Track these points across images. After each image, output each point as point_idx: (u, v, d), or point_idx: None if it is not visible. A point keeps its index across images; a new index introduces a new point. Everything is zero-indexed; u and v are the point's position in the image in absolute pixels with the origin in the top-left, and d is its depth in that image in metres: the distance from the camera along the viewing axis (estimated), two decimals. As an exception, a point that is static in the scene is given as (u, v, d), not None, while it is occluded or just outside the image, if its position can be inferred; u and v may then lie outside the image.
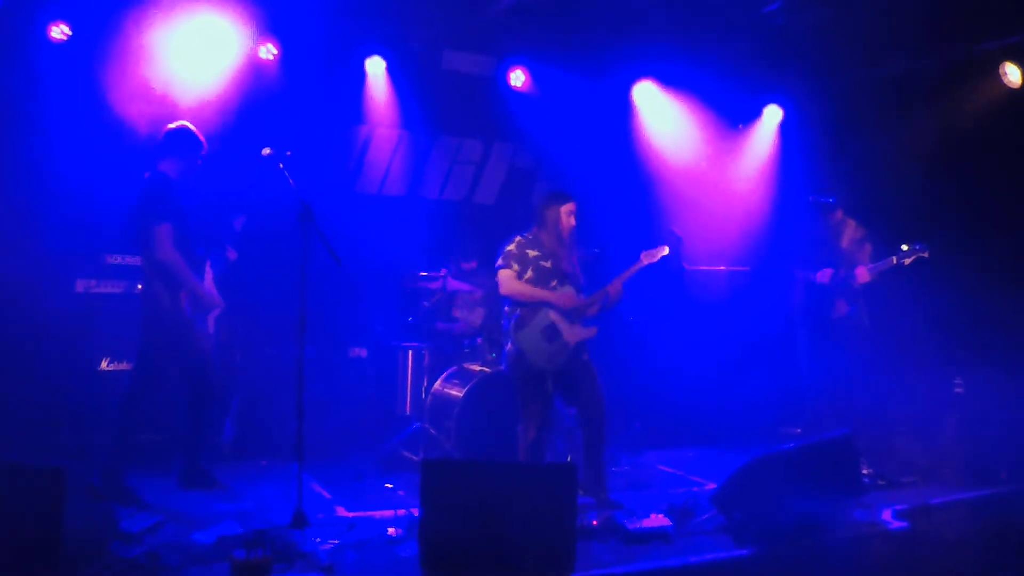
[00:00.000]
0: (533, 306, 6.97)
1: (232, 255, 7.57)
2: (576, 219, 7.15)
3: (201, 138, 7.08)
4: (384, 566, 5.30)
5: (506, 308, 7.16)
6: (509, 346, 7.08)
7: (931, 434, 8.37)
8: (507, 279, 7.01)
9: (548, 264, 7.06)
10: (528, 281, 7.00)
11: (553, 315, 6.97)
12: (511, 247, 7.10)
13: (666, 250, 7.29)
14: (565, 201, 7.14)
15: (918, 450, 8.18)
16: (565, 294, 7.00)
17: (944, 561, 6.16)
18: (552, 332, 6.93)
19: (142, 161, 7.14)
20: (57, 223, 7.92)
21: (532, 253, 7.06)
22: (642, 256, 7.29)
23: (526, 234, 7.18)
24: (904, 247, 8.08)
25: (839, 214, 8.66)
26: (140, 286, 7.02)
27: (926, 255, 8.03)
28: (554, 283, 7.03)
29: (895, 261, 8.11)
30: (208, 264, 7.14)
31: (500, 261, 7.10)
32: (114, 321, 7.90)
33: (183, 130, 7.03)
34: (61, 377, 7.69)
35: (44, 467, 4.96)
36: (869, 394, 8.38)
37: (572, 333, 6.99)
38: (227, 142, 8.38)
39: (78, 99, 8.10)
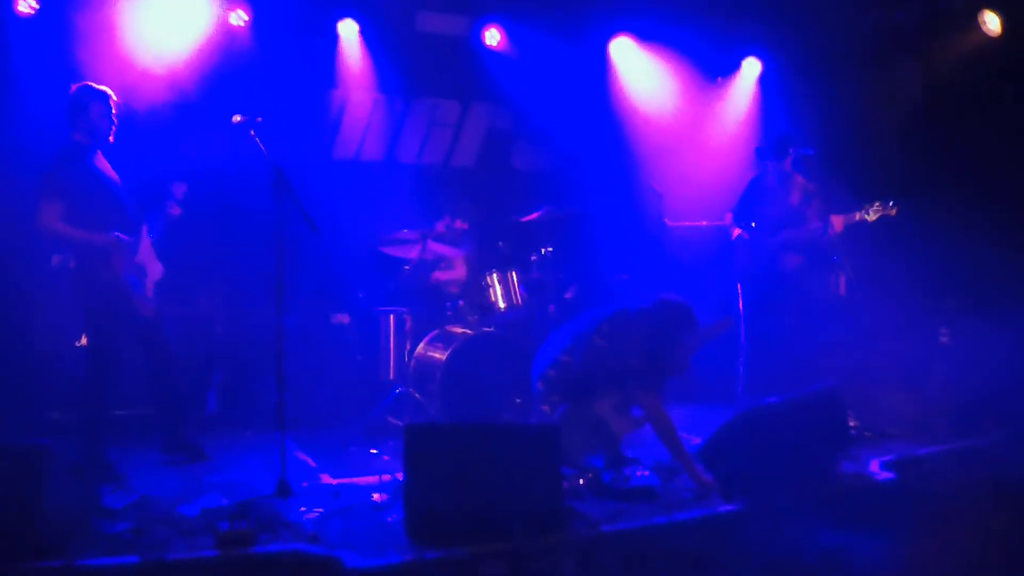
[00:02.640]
0: None
1: (175, 210, 7.32)
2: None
3: (109, 93, 6.79)
4: (370, 532, 5.25)
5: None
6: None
7: (917, 385, 8.35)
8: None
9: None
10: None
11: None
12: None
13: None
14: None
15: (905, 401, 8.15)
16: None
17: (932, 511, 6.16)
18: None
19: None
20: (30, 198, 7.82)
21: None
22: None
23: None
24: (876, 205, 7.93)
25: (787, 166, 8.48)
26: (71, 261, 6.87)
27: (893, 213, 7.88)
28: None
29: (858, 217, 7.96)
30: (145, 229, 7.00)
31: None
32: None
33: (83, 90, 6.74)
34: (40, 354, 7.63)
35: (26, 445, 4.91)
36: (841, 349, 8.32)
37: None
38: (200, 110, 8.28)
39: (49, 73, 7.98)
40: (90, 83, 6.80)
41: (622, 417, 6.64)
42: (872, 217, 7.88)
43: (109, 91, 6.80)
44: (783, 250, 8.28)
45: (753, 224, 8.35)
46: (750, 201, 8.48)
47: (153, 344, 6.97)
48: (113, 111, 6.81)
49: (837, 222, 8.03)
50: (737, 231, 8.46)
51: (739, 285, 8.59)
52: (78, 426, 6.76)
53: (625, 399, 6.55)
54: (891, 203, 7.81)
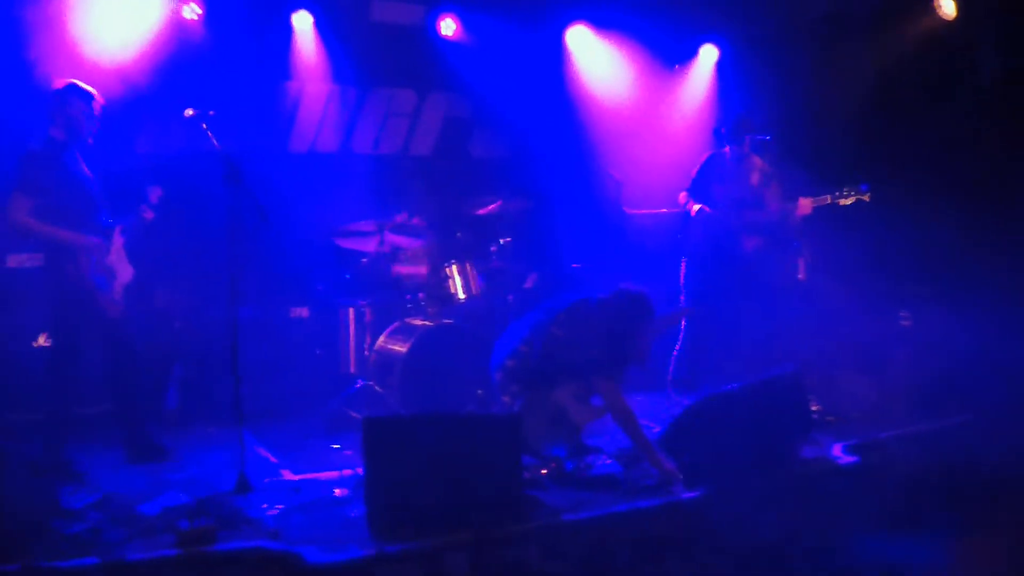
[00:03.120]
0: None
1: (148, 215, 7.24)
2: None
3: (93, 93, 6.74)
4: (332, 527, 5.24)
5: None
6: None
7: (879, 369, 8.40)
8: None
9: None
10: None
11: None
12: None
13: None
14: None
15: (867, 385, 8.20)
16: None
17: (896, 494, 6.21)
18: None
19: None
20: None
21: None
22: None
23: None
24: (846, 190, 7.96)
25: (746, 147, 8.50)
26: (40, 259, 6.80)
27: (867, 198, 7.91)
28: None
29: (830, 200, 7.99)
30: (118, 231, 6.93)
31: None
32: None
33: (68, 88, 6.67)
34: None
35: (-23, 446, 4.86)
36: (802, 333, 8.36)
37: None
38: (153, 104, 8.21)
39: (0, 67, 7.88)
40: (76, 81, 6.71)
41: (582, 406, 6.61)
42: (845, 202, 7.92)
43: (94, 92, 6.74)
44: (744, 231, 8.32)
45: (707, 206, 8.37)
46: (707, 179, 8.50)
47: (118, 345, 6.91)
48: (96, 112, 6.75)
49: (805, 204, 8.06)
50: (697, 206, 8.46)
51: (684, 260, 8.60)
52: (36, 426, 6.68)
53: (585, 388, 6.54)
54: (865, 188, 7.85)
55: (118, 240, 6.88)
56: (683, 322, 8.51)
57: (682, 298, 8.59)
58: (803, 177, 8.50)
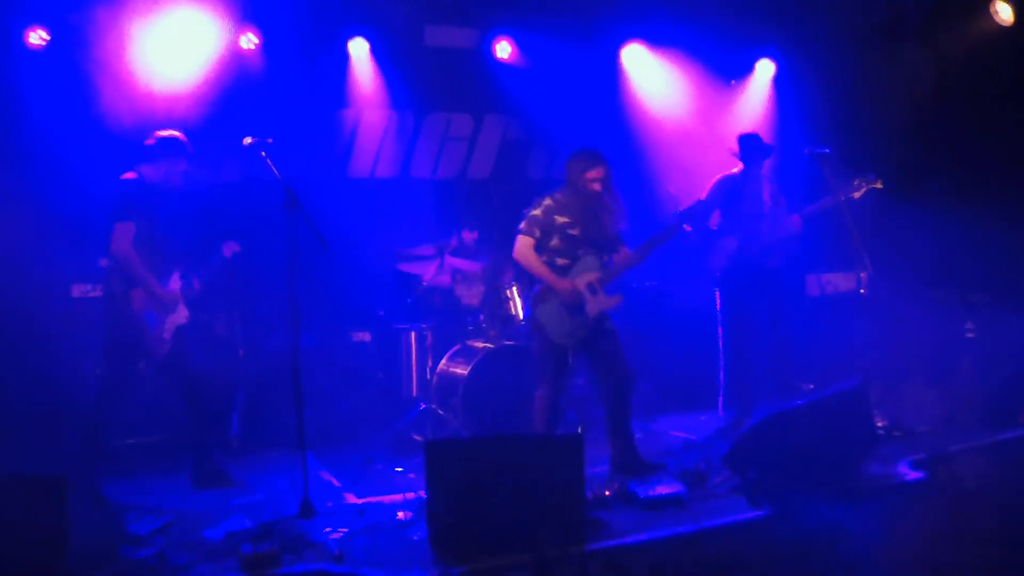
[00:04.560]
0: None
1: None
2: (605, 183, 6.81)
3: (189, 148, 6.97)
4: (395, 550, 5.25)
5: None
6: (531, 315, 6.93)
7: (945, 381, 8.27)
8: (523, 247, 6.79)
9: (576, 232, 6.82)
10: (553, 248, 6.81)
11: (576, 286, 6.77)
12: (537, 211, 6.83)
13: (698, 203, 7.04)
14: (591, 166, 6.80)
15: (933, 398, 8.08)
16: (566, 287, 6.71)
17: (965, 510, 6.09)
18: (574, 305, 6.76)
19: (128, 161, 7.04)
20: (50, 229, 7.84)
21: (560, 220, 6.81)
22: (678, 223, 6.92)
23: (556, 194, 6.92)
24: (856, 181, 7.84)
25: (764, 168, 8.42)
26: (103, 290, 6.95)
27: (879, 185, 7.78)
28: (581, 251, 6.81)
29: (842, 196, 7.84)
30: (178, 275, 7.04)
31: (523, 224, 6.83)
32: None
33: (172, 140, 6.92)
34: (61, 383, 7.64)
35: (46, 476, 4.90)
36: (866, 347, 8.27)
37: (595, 304, 6.76)
38: (213, 134, 8.31)
39: (63, 103, 8.05)
40: (179, 135, 6.94)
41: (596, 296, 6.76)
42: (857, 195, 7.80)
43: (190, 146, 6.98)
44: (765, 248, 8.23)
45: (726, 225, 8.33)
46: (724, 199, 8.38)
47: (173, 378, 7.05)
48: (184, 172, 7.00)
49: (796, 221, 7.99)
50: (717, 227, 8.40)
51: (718, 288, 8.56)
52: (106, 453, 6.83)
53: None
54: (874, 176, 7.74)
55: (177, 282, 6.98)
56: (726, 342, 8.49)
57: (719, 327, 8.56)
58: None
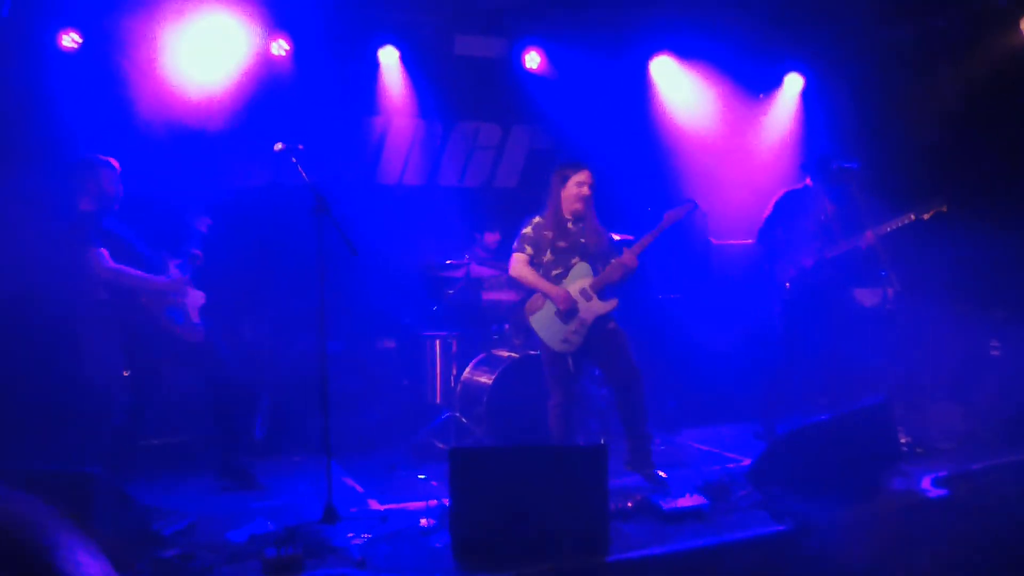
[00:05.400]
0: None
1: (199, 254, 7.33)
2: (592, 189, 6.91)
3: (115, 163, 6.84)
4: (417, 558, 5.26)
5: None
6: (526, 324, 7.09)
7: (969, 398, 8.24)
8: (518, 263, 6.96)
9: (564, 244, 6.93)
10: (548, 262, 6.91)
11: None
12: (527, 230, 7.01)
13: (691, 206, 7.05)
14: (574, 171, 6.93)
15: (957, 415, 8.04)
16: (560, 294, 6.80)
17: (988, 528, 6.06)
18: (568, 311, 6.82)
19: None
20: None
21: (548, 234, 6.94)
22: (666, 216, 6.96)
23: (544, 213, 7.05)
24: (925, 206, 7.83)
25: (827, 185, 8.38)
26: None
27: (945, 209, 7.77)
28: (574, 260, 6.91)
29: (913, 217, 7.83)
30: (173, 266, 6.99)
31: (515, 244, 7.02)
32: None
33: (92, 159, 6.81)
34: (90, 385, 7.68)
35: (74, 473, 4.94)
36: (890, 363, 8.24)
37: (589, 309, 6.84)
38: (243, 139, 8.35)
39: (94, 106, 8.08)
40: (96, 155, 6.86)
41: (589, 301, 6.86)
42: (927, 216, 7.77)
43: (114, 161, 6.86)
44: (826, 265, 8.20)
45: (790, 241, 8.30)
46: (788, 216, 8.37)
47: (210, 367, 7.08)
48: (118, 182, 6.87)
49: (869, 237, 7.94)
50: (776, 243, 8.38)
51: (778, 301, 8.51)
52: (133, 452, 6.86)
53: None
54: (942, 200, 7.71)
55: (176, 274, 6.97)
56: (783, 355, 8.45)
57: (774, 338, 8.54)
58: (881, 205, 8.35)
